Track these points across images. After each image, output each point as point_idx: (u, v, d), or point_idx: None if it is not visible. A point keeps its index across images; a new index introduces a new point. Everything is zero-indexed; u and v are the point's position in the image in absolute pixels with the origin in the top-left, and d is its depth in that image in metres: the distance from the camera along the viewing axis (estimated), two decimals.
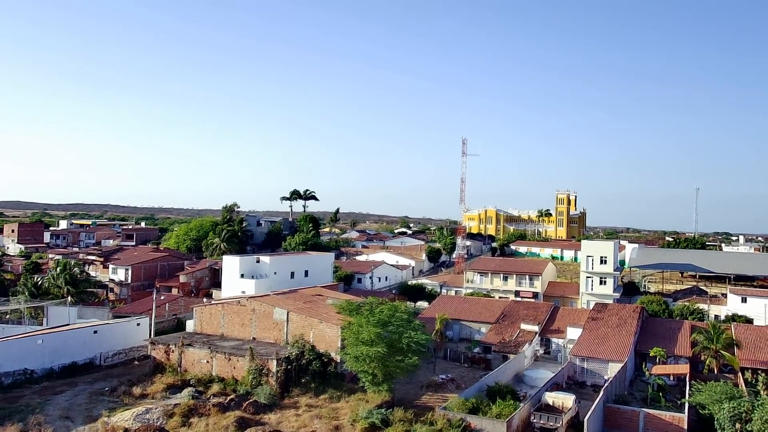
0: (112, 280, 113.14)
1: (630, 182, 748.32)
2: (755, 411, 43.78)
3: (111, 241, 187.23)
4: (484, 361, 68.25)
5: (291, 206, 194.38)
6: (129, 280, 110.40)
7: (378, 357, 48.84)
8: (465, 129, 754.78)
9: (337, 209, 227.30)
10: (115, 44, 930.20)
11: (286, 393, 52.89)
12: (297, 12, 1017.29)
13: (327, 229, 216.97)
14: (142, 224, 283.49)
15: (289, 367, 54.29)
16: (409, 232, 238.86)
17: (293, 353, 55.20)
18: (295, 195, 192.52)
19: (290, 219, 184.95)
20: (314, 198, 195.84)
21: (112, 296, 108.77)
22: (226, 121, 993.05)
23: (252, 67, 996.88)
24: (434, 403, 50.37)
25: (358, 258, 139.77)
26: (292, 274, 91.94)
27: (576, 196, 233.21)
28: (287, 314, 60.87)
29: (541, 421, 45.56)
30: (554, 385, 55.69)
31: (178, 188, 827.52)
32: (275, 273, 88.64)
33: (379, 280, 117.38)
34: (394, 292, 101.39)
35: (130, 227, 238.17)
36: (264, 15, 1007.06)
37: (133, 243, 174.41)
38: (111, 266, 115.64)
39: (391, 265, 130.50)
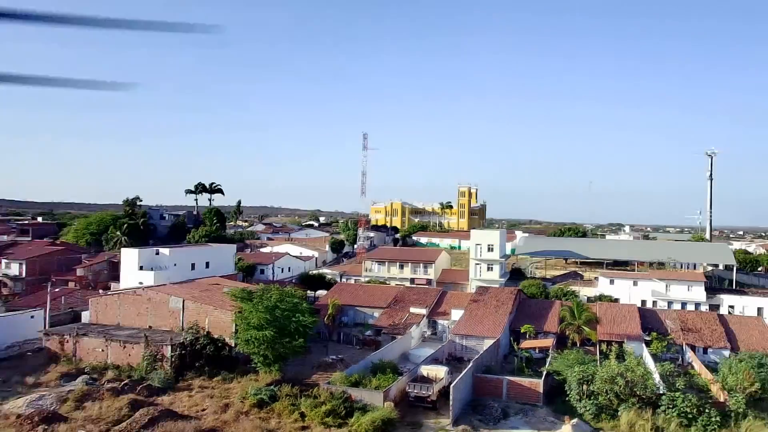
0: (5, 275, 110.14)
1: (538, 177, 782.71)
2: (597, 373, 50.61)
3: (5, 236, 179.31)
4: (375, 342, 72.84)
5: (196, 200, 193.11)
6: (23, 275, 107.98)
7: (267, 340, 52.55)
8: (379, 125, 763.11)
9: (239, 202, 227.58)
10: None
11: (180, 377, 55.47)
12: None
13: (233, 223, 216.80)
14: (39, 219, 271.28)
15: (183, 352, 56.85)
16: (316, 224, 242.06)
17: (188, 339, 57.78)
18: (201, 188, 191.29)
19: (195, 212, 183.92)
20: (220, 191, 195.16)
21: (5, 291, 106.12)
22: (138, 115, 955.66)
23: (157, 52, 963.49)
24: (322, 381, 54.35)
25: (262, 250, 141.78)
26: (193, 266, 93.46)
27: (477, 190, 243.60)
28: (183, 302, 63.34)
29: (415, 391, 50.50)
30: (434, 361, 60.95)
31: (81, 184, 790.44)
32: (175, 264, 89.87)
33: (282, 271, 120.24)
34: (294, 281, 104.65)
35: (27, 222, 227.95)
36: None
37: (29, 238, 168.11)
38: (4, 261, 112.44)
39: (295, 256, 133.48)
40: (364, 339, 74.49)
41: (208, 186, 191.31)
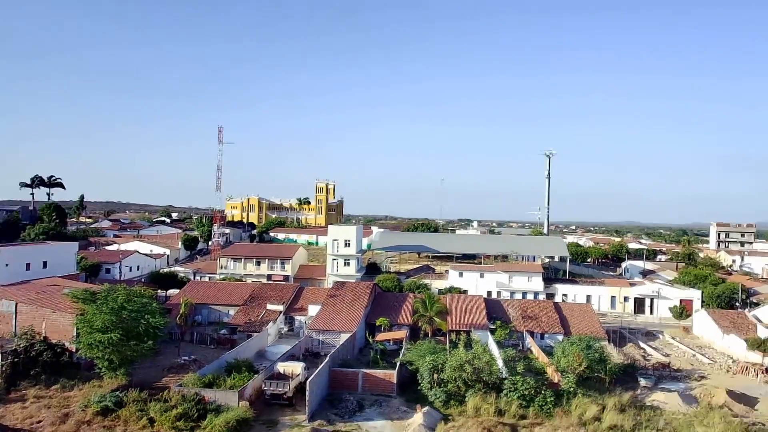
0: None
1: (394, 174, 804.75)
2: (447, 362, 53.18)
3: None
4: (230, 341, 71.28)
5: (33, 194, 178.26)
6: None
7: (113, 343, 49.66)
8: (237, 120, 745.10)
9: (82, 196, 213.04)
10: None
11: (12, 387, 50.88)
12: None
13: (75, 219, 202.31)
14: None
15: (16, 360, 52.27)
16: (168, 221, 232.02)
17: (21, 345, 53.23)
18: (38, 182, 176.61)
19: (31, 208, 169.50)
20: (60, 185, 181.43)
21: None
22: None
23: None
24: (174, 383, 52.29)
25: (109, 248, 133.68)
26: (28, 266, 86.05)
27: (335, 185, 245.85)
28: (15, 306, 58.39)
29: (271, 388, 50.14)
30: (290, 357, 60.79)
31: None
32: (7, 265, 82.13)
33: (131, 270, 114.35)
34: (143, 280, 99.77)
35: None
36: None
37: None
38: None
39: (145, 254, 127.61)
40: (218, 338, 72.70)
41: (46, 179, 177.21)
